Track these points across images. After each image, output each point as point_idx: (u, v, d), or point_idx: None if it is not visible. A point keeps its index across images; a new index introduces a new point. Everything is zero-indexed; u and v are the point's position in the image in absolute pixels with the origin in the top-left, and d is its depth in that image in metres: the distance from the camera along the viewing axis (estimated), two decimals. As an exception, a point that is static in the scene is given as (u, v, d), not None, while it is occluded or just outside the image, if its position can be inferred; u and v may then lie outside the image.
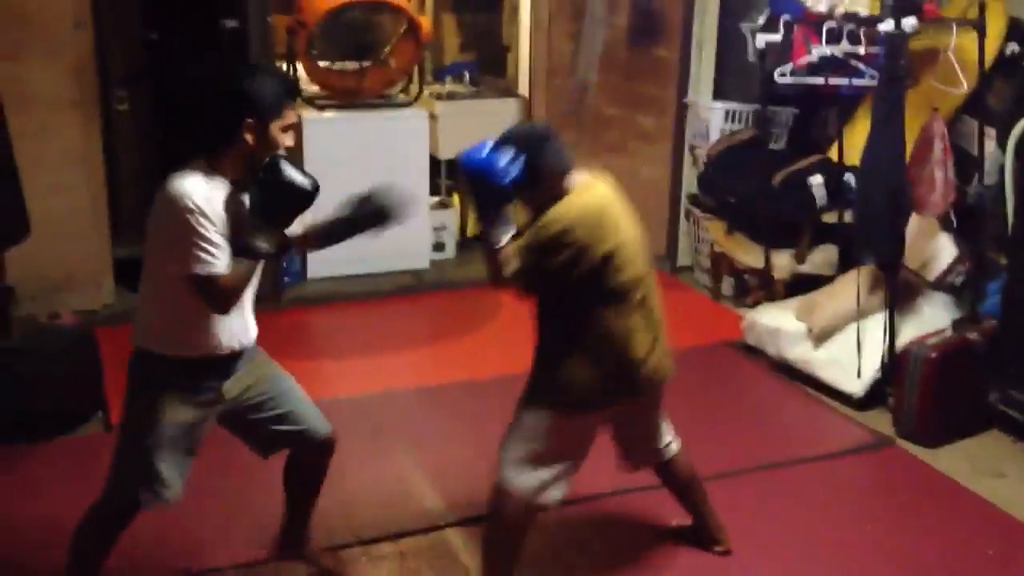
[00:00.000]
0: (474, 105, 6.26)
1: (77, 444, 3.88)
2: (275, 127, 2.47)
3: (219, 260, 2.41)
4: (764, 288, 5.23)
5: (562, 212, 2.63)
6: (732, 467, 3.79)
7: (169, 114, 5.86)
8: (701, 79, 5.87)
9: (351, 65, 5.81)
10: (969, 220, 4.46)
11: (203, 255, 2.39)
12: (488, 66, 6.71)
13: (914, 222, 4.30)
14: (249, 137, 2.46)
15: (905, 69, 4.12)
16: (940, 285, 4.48)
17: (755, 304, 5.19)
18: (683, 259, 6.07)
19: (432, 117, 5.94)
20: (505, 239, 2.64)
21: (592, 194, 2.70)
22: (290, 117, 2.51)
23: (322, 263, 5.59)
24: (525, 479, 2.78)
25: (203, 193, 2.41)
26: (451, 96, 6.25)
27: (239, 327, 2.62)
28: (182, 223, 2.38)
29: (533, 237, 2.63)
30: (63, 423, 3.93)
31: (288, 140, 2.51)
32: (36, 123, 4.70)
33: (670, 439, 3.13)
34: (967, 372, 4.03)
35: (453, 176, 6.35)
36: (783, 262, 5.14)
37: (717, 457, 3.87)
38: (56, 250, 4.82)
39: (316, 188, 2.45)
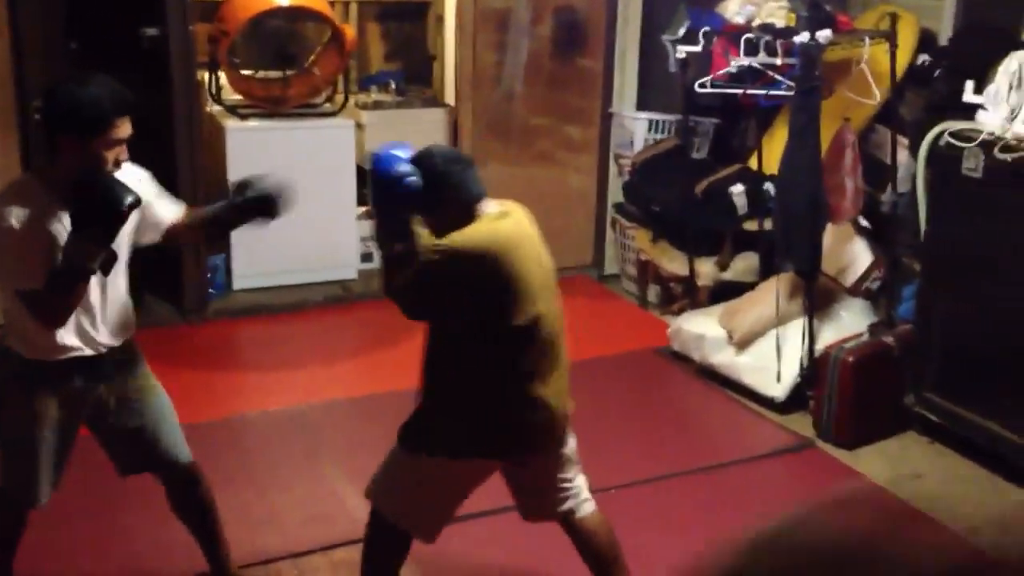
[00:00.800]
0: (401, 115, 6.26)
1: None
2: (97, 143, 2.40)
3: (31, 277, 2.38)
4: (689, 295, 5.32)
5: (455, 239, 2.49)
6: (659, 471, 3.85)
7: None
8: (625, 90, 5.95)
9: (274, 74, 5.77)
10: (884, 227, 4.59)
11: (16, 271, 2.41)
12: (414, 75, 6.72)
13: (831, 230, 4.41)
14: (68, 153, 2.43)
15: (820, 80, 4.23)
16: (857, 291, 4.61)
17: (680, 311, 5.27)
18: (610, 267, 6.14)
19: (359, 126, 5.93)
20: (395, 249, 2.56)
21: (495, 227, 2.53)
22: (119, 132, 2.43)
23: (249, 274, 5.54)
24: (391, 506, 2.68)
25: (20, 209, 2.39)
26: (377, 105, 6.25)
27: (93, 333, 2.59)
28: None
29: (421, 257, 2.52)
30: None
31: (115, 155, 2.43)
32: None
33: (578, 501, 2.81)
34: (884, 375, 4.14)
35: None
36: (707, 269, 5.23)
37: (644, 461, 3.93)
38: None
39: (135, 203, 2.38)
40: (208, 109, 5.67)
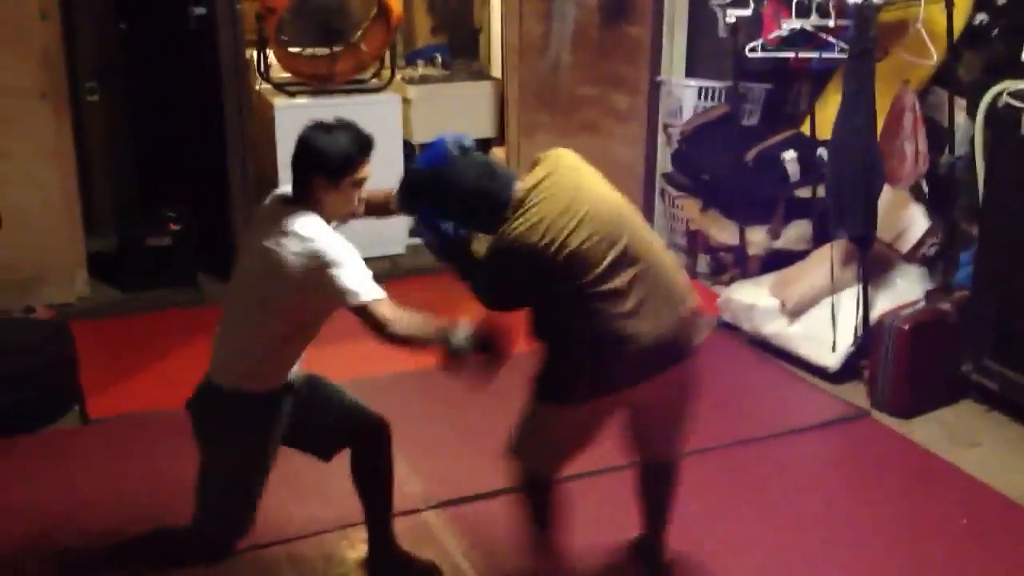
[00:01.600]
0: (447, 88, 6.24)
1: (55, 437, 3.87)
2: (345, 182, 2.64)
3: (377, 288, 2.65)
4: (739, 265, 5.25)
5: (505, 235, 2.55)
6: (710, 443, 3.81)
7: (144, 104, 5.82)
8: (673, 57, 5.87)
9: (322, 50, 5.78)
10: (941, 191, 4.48)
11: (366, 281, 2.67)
12: (460, 48, 6.69)
13: (886, 195, 4.33)
14: (320, 191, 2.63)
15: (875, 41, 4.13)
16: (913, 257, 4.52)
17: (731, 281, 5.21)
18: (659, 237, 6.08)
19: (405, 101, 5.93)
20: (467, 260, 2.73)
21: (538, 202, 2.55)
22: (363, 172, 2.66)
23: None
24: (530, 455, 2.79)
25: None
26: (424, 80, 6.23)
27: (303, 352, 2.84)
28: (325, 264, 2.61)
29: (486, 262, 2.67)
30: (40, 417, 3.91)
31: (360, 194, 2.69)
32: (5, 115, 4.66)
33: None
34: (940, 343, 4.06)
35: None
36: (758, 238, 5.15)
37: (695, 433, 3.88)
38: (29, 244, 4.79)
39: None
40: (256, 87, 5.70)
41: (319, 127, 2.66)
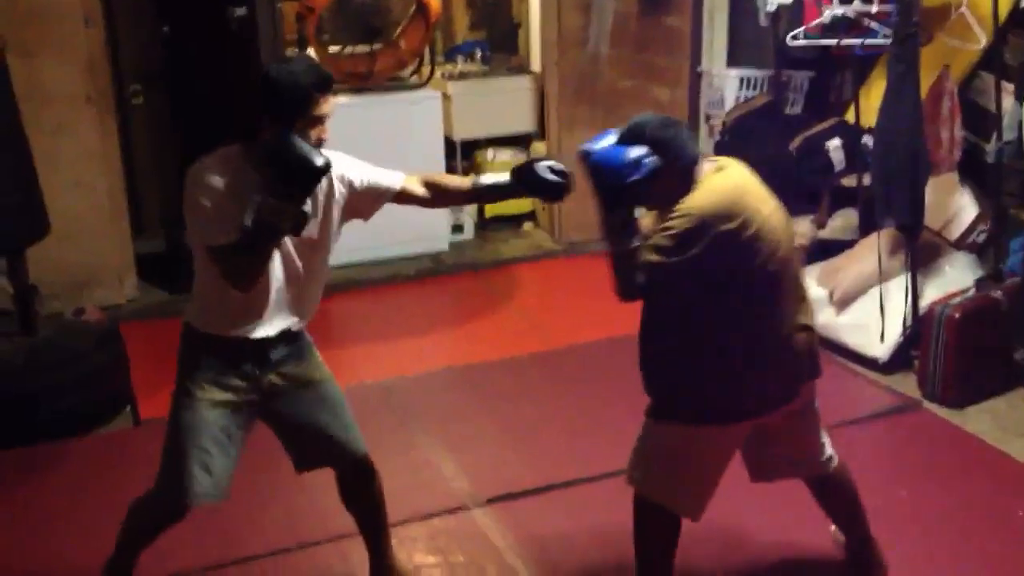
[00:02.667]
0: (487, 84, 6.24)
1: (106, 440, 3.93)
2: (298, 121, 2.40)
3: (223, 232, 2.37)
4: (785, 255, 5.19)
5: (695, 204, 2.38)
6: (758, 436, 3.78)
7: (187, 106, 5.87)
8: (714, 47, 5.82)
9: (361, 49, 5.80)
10: (989, 177, 4.41)
11: (208, 228, 2.41)
12: (499, 43, 6.69)
13: (934, 182, 4.26)
14: (271, 131, 2.40)
15: (919, 26, 4.07)
16: (962, 244, 4.45)
17: (776, 271, 5.16)
18: (703, 229, 6.04)
19: (445, 97, 5.93)
20: (634, 244, 2.45)
21: (725, 178, 2.45)
22: (320, 109, 2.43)
23: (340, 250, 5.58)
24: (659, 489, 2.60)
25: (217, 171, 2.44)
26: (463, 76, 6.24)
27: (273, 313, 2.57)
28: (190, 196, 2.44)
29: (666, 235, 2.39)
30: (91, 419, 3.97)
31: (317, 134, 2.44)
32: (52, 120, 4.73)
33: (830, 452, 2.80)
34: (992, 331, 4.00)
35: (468, 157, 6.35)
36: (803, 228, 5.09)
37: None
38: (78, 247, 4.86)
39: (326, 164, 2.36)
40: (297, 87, 5.73)
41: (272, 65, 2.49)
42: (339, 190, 2.61)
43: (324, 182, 2.51)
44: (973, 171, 4.48)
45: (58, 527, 3.35)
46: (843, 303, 4.41)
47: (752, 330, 2.46)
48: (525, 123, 6.33)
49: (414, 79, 5.92)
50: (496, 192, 2.80)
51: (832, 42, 4.74)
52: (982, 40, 4.27)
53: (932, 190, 4.25)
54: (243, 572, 3.10)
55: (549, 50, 5.84)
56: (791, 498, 3.04)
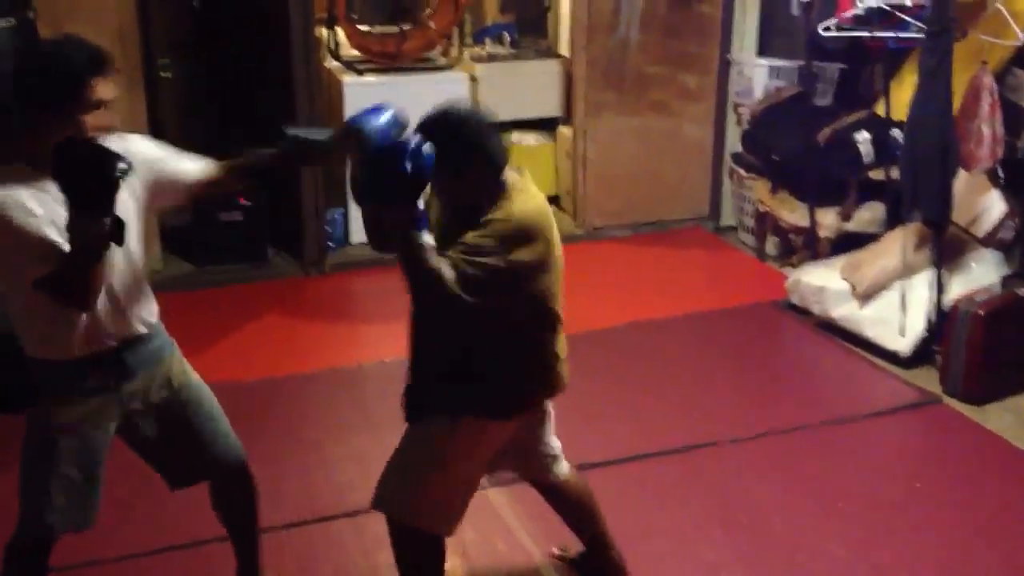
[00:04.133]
0: (515, 67, 6.23)
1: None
2: (74, 109, 2.11)
3: (44, 261, 2.10)
4: (809, 247, 5.18)
5: (514, 210, 2.27)
6: (776, 426, 3.78)
7: (216, 80, 5.90)
8: (745, 36, 5.78)
9: (391, 29, 5.80)
10: (1018, 174, 4.37)
11: (25, 264, 2.13)
12: (528, 27, 6.66)
13: (962, 178, 4.23)
14: (47, 126, 2.12)
15: (953, 21, 4.03)
16: (989, 241, 4.41)
17: (800, 263, 5.14)
18: (727, 219, 6.02)
19: (472, 79, 5.92)
20: (428, 240, 2.19)
21: (535, 194, 2.37)
22: (98, 93, 2.14)
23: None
24: (426, 509, 2.48)
25: (12, 199, 2.11)
26: (491, 58, 6.22)
27: (112, 320, 2.31)
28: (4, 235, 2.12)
29: (487, 236, 2.22)
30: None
31: (98, 122, 2.15)
32: (81, 91, 4.74)
33: (557, 452, 2.77)
34: (1016, 329, 3.97)
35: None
36: (829, 220, 5.08)
37: (762, 416, 3.86)
38: (104, 217, 4.89)
39: (127, 166, 2.03)
40: (326, 65, 5.75)
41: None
42: (143, 182, 2.35)
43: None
44: (1003, 168, 4.44)
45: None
46: (867, 296, 4.39)
47: (529, 339, 2.43)
48: (551, 107, 6.31)
49: (442, 60, 5.91)
50: (264, 164, 2.58)
51: (865, 34, 4.71)
52: (1020, 37, 4.22)
53: (960, 185, 4.22)
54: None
55: (578, 34, 5.82)
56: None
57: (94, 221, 2.03)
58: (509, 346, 2.42)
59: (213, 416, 2.54)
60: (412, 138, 2.17)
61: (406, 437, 2.52)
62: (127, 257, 2.32)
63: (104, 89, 2.15)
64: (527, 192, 2.35)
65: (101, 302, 2.25)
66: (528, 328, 2.43)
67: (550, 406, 2.71)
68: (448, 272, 2.17)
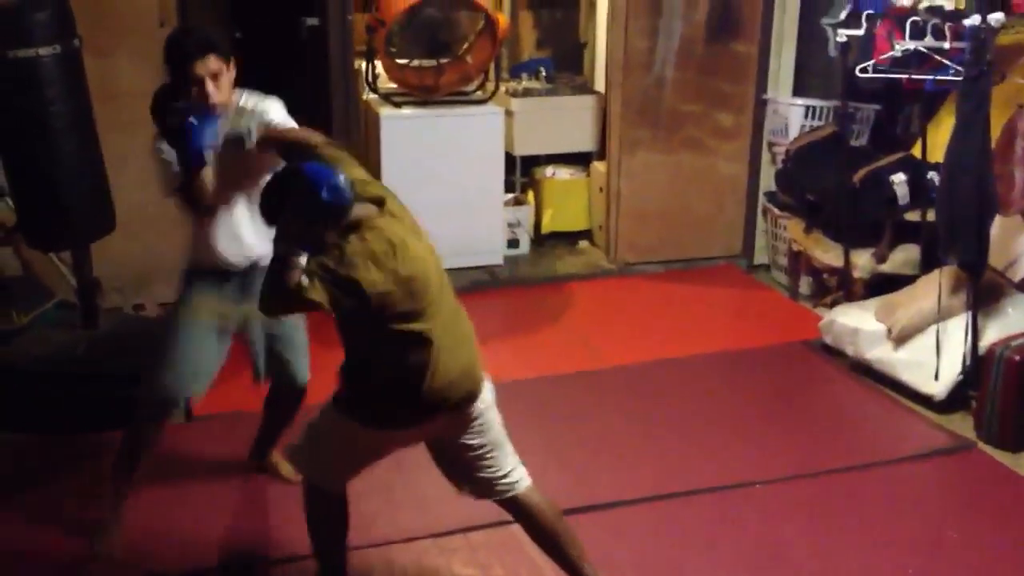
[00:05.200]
0: (550, 101, 6.26)
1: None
2: (182, 77, 2.91)
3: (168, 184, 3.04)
4: (843, 288, 5.14)
5: (358, 247, 2.46)
6: (808, 469, 3.74)
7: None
8: (780, 75, 5.79)
9: (428, 62, 5.86)
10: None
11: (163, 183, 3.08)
12: (564, 62, 6.71)
13: (999, 221, 4.20)
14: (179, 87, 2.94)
15: (991, 65, 4.02)
16: (1026, 286, 4.36)
17: (833, 304, 5.11)
18: (760, 257, 6.01)
19: (508, 114, 5.97)
20: (302, 260, 2.43)
21: (379, 231, 2.51)
22: (199, 69, 2.88)
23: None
24: (317, 468, 2.80)
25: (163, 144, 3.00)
26: (527, 92, 6.26)
27: (228, 246, 3.08)
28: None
29: (333, 269, 2.44)
30: (146, 412, 4.03)
31: (199, 90, 2.89)
32: (124, 118, 4.80)
33: (509, 471, 2.81)
34: (1053, 376, 3.91)
35: (528, 173, 6.38)
36: (863, 261, 5.05)
37: (793, 459, 3.83)
38: (141, 243, 4.94)
39: (184, 117, 2.85)
40: (364, 97, 5.81)
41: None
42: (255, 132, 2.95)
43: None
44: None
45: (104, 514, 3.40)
46: (901, 339, 4.35)
47: (386, 359, 2.59)
48: (586, 142, 6.34)
49: (478, 94, 5.96)
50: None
51: (903, 76, 4.70)
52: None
53: (997, 229, 4.19)
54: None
55: (614, 71, 5.85)
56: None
57: (182, 155, 2.91)
58: (376, 362, 2.62)
59: (299, 348, 3.34)
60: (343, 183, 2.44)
61: (324, 403, 2.78)
62: (246, 202, 3.05)
63: (202, 67, 2.88)
64: (372, 231, 2.49)
65: (224, 231, 3.05)
66: (388, 348, 2.56)
67: (482, 420, 2.73)
68: (305, 286, 2.41)
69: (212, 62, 2.89)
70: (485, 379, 2.75)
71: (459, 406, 2.66)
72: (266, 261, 2.57)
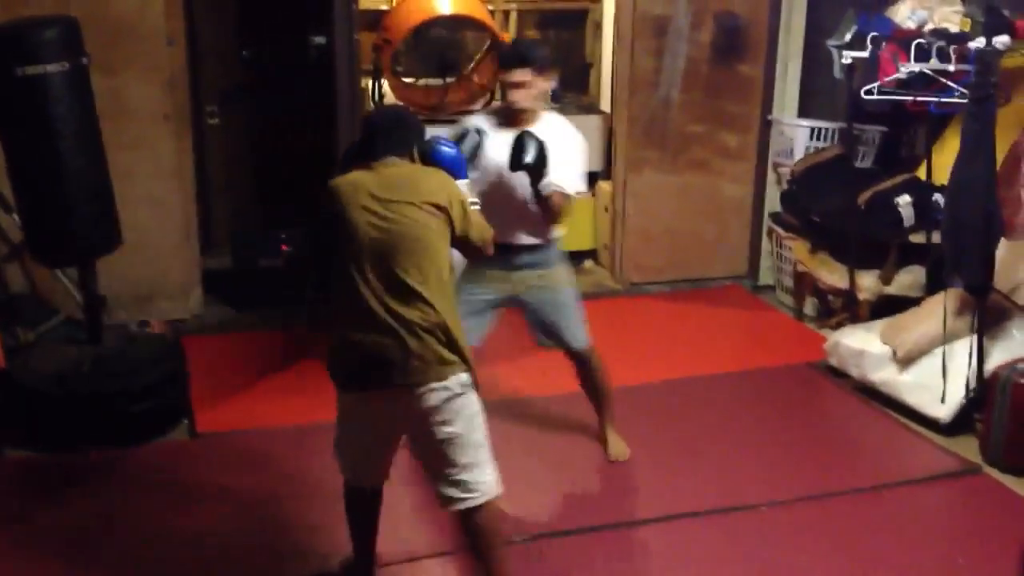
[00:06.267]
0: (556, 121, 6.27)
1: (162, 450, 3.98)
2: (503, 81, 3.64)
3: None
4: (848, 309, 5.14)
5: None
6: (811, 491, 3.73)
7: (263, 129, 6.00)
8: (786, 96, 5.81)
9: (435, 81, 5.88)
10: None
11: None
12: (571, 82, 6.73)
13: (1004, 244, 4.19)
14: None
15: (996, 87, 4.02)
16: (1032, 309, 4.35)
17: (839, 325, 5.10)
18: (765, 278, 6.00)
19: (514, 133, 5.97)
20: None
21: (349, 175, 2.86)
22: (511, 76, 3.50)
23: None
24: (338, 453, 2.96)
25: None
26: (533, 112, 6.26)
27: (500, 230, 3.22)
28: None
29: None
30: (150, 429, 4.03)
31: (511, 96, 3.55)
32: (131, 135, 4.85)
33: (462, 479, 2.80)
34: (1059, 399, 3.90)
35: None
36: (868, 283, 5.04)
37: (799, 481, 3.81)
38: (147, 260, 4.96)
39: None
40: (370, 115, 5.82)
41: None
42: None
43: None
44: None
45: (110, 533, 3.40)
46: (907, 361, 4.34)
47: (337, 310, 2.76)
48: (592, 162, 6.32)
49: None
50: None
51: (908, 98, 4.71)
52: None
53: (1003, 252, 4.18)
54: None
55: (620, 91, 5.87)
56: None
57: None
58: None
59: (566, 314, 3.75)
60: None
61: None
62: (508, 194, 3.56)
63: (511, 77, 3.52)
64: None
65: (496, 216, 3.22)
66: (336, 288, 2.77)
67: (445, 415, 2.72)
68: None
69: (520, 73, 3.48)
70: (453, 373, 2.73)
71: (365, 377, 2.72)
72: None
